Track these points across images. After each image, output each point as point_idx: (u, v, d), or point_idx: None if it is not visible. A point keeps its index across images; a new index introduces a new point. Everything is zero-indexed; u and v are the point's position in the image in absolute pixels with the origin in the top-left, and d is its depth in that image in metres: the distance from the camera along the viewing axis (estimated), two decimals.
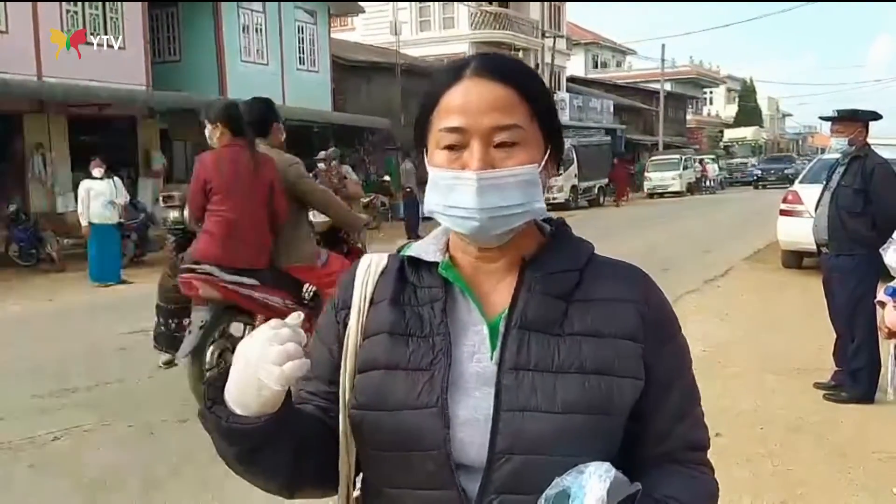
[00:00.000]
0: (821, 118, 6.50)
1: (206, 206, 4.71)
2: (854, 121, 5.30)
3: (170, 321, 5.08)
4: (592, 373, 1.01)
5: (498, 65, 1.06)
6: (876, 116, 5.42)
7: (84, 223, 11.44)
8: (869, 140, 5.39)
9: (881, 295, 3.63)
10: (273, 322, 0.98)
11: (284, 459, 1.03)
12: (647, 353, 1.05)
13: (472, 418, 1.01)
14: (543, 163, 1.06)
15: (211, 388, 1.01)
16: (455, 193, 1.03)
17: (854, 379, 5.20)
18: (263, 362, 0.94)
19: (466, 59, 1.08)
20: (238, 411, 0.98)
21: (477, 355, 1.05)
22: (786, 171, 36.73)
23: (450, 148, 1.04)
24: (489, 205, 1.01)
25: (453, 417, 1.01)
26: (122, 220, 11.97)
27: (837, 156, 5.56)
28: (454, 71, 1.06)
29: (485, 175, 1.01)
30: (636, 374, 1.04)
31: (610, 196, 29.63)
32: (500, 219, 1.03)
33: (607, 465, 0.95)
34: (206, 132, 4.81)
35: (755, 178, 39.68)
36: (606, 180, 29.76)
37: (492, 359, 1.04)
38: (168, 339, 5.06)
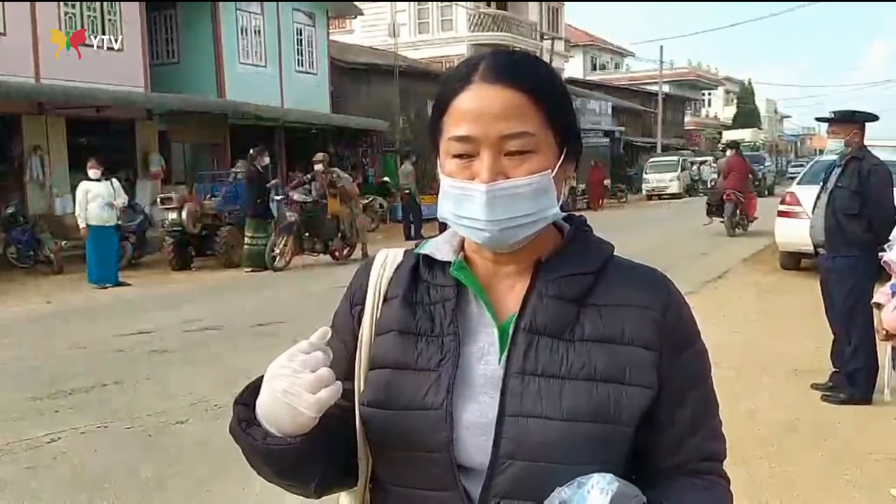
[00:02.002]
0: (817, 119, 6.50)
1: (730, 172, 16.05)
2: (850, 122, 5.29)
3: None
4: (601, 380, 0.99)
5: (509, 67, 1.02)
6: (872, 118, 5.41)
7: (81, 225, 11.42)
8: (868, 141, 5.40)
9: (878, 296, 3.64)
10: (303, 345, 0.97)
11: (319, 468, 1.04)
12: (661, 362, 1.02)
13: (477, 421, 1.00)
14: (557, 167, 1.03)
15: (242, 408, 1.00)
16: (465, 204, 1.01)
17: (851, 380, 5.20)
18: (296, 390, 0.93)
19: (478, 58, 1.04)
20: (274, 431, 0.97)
21: (486, 357, 1.03)
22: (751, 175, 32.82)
23: (460, 156, 1.01)
24: (499, 216, 0.99)
25: (458, 420, 1.00)
26: (119, 222, 11.95)
27: (835, 157, 5.57)
28: (464, 74, 1.03)
29: (493, 187, 0.99)
30: (647, 384, 1.01)
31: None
32: (511, 230, 1.01)
33: (610, 476, 0.91)
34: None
35: (711, 183, 32.90)
36: (606, 182, 29.72)
37: (499, 362, 1.02)
38: None
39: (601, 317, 1.02)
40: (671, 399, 1.03)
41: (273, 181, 13.08)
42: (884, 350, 4.74)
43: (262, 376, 0.99)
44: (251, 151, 13.22)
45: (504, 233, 1.01)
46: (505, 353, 1.02)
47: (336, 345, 1.08)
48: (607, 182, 30.11)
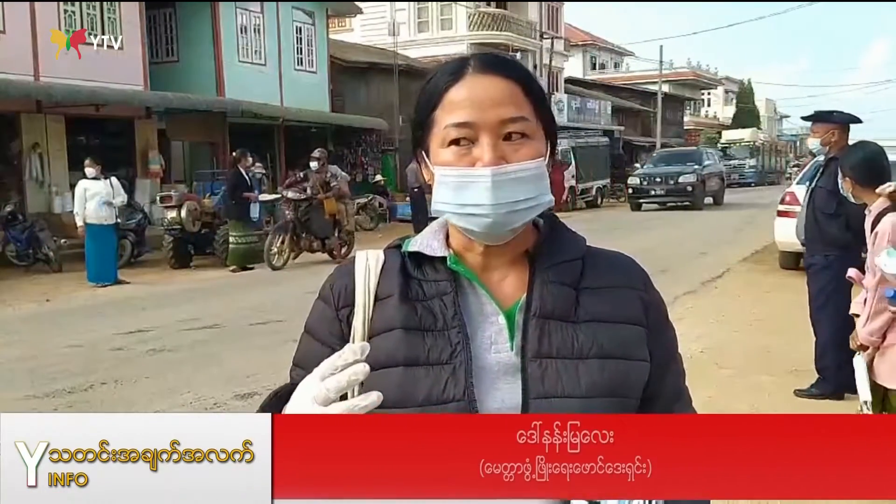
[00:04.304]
0: (802, 118, 6.54)
1: None
2: (826, 122, 5.27)
3: None
4: (609, 357, 1.05)
5: (499, 60, 1.08)
6: (853, 119, 5.33)
7: (79, 223, 11.39)
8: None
9: (854, 306, 3.63)
10: (324, 391, 0.90)
11: None
12: (649, 337, 1.10)
13: (500, 408, 1.03)
14: (547, 156, 1.08)
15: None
16: (468, 191, 1.03)
17: (822, 376, 5.27)
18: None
19: (464, 56, 1.10)
20: None
21: (495, 346, 1.06)
22: (681, 180, 24.02)
23: (457, 143, 1.04)
24: (503, 200, 1.02)
25: (480, 409, 1.02)
26: (118, 221, 11.93)
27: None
28: (455, 68, 1.07)
29: (498, 171, 1.01)
30: (644, 357, 1.08)
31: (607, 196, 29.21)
32: (514, 214, 1.03)
33: None
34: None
35: (633, 190, 24.97)
36: (605, 181, 29.71)
37: (512, 348, 1.05)
38: None
39: (597, 299, 1.08)
40: (658, 371, 1.10)
41: (249, 194, 12.83)
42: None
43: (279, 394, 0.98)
44: (233, 154, 13.23)
45: (507, 217, 1.03)
46: (518, 340, 1.05)
47: (322, 351, 1.06)
48: (606, 183, 30.07)
